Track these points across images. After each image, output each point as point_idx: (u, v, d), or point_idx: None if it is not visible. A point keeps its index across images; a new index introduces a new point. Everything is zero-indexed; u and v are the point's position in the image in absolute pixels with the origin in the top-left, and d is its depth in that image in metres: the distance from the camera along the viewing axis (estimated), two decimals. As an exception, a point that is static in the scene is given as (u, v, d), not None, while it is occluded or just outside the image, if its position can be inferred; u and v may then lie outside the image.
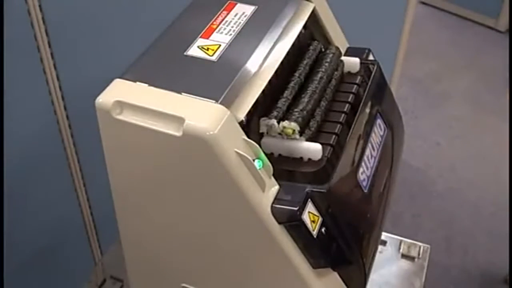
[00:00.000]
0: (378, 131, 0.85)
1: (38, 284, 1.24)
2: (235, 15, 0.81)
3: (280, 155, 0.74)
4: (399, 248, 1.17)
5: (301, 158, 0.74)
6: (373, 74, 0.87)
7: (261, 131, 0.73)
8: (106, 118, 0.68)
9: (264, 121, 0.72)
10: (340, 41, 0.91)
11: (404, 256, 1.16)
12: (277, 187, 0.69)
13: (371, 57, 0.91)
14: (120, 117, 0.67)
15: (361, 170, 0.79)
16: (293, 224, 0.68)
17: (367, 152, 0.81)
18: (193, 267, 0.82)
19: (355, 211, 0.79)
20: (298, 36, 0.81)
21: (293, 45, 0.79)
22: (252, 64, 0.73)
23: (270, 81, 0.73)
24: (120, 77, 0.71)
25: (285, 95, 0.77)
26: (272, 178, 0.69)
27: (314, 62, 0.84)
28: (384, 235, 1.17)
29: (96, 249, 1.38)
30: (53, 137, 1.14)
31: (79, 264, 1.32)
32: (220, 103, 0.65)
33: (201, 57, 0.73)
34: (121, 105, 0.67)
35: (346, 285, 0.76)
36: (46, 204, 1.18)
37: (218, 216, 0.72)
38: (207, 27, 0.78)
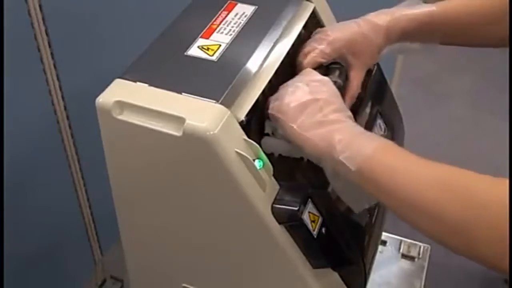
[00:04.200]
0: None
1: (38, 284, 1.24)
2: (235, 15, 0.81)
3: (280, 155, 0.74)
4: (399, 248, 1.17)
5: (301, 158, 0.74)
6: (373, 74, 0.87)
7: (266, 131, 0.73)
8: (107, 118, 0.68)
9: (270, 123, 0.72)
10: (340, 41, 0.91)
11: (404, 256, 1.16)
12: (277, 187, 0.69)
13: (371, 57, 0.91)
14: (121, 117, 0.67)
15: (361, 170, 0.78)
16: (293, 224, 0.68)
17: (367, 152, 0.81)
18: (193, 267, 0.82)
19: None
20: (298, 36, 0.81)
21: (293, 45, 0.79)
22: (252, 64, 0.73)
23: (270, 81, 0.73)
24: (120, 77, 0.71)
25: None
26: (272, 178, 0.69)
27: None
28: (384, 235, 1.17)
29: (96, 249, 1.38)
30: (53, 137, 1.14)
31: (79, 264, 1.32)
32: (221, 103, 0.65)
33: (202, 57, 0.73)
34: (122, 105, 0.67)
35: (346, 285, 0.76)
36: (46, 204, 1.18)
37: (218, 216, 0.72)
38: (207, 27, 0.78)
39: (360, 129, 0.67)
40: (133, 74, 0.71)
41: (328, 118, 0.66)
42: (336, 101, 0.69)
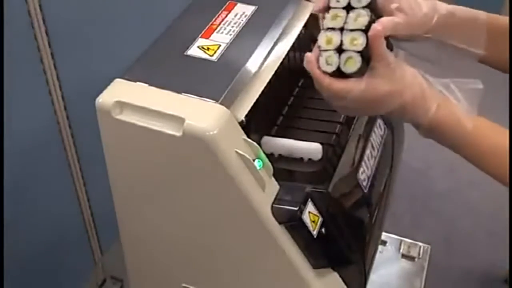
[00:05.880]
0: (378, 131, 0.85)
1: (38, 284, 1.24)
2: (235, 15, 0.81)
3: (280, 155, 0.74)
4: (399, 248, 1.17)
5: (301, 158, 0.74)
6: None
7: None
8: (106, 118, 0.68)
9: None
10: (340, 41, 0.91)
11: (404, 256, 1.16)
12: (277, 187, 0.69)
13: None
14: (120, 117, 0.67)
15: (361, 170, 0.79)
16: (293, 224, 0.68)
17: (367, 152, 0.81)
18: (193, 267, 0.82)
19: (355, 211, 0.79)
20: (298, 36, 0.81)
21: (293, 45, 0.79)
22: (252, 64, 0.73)
23: (270, 81, 0.73)
24: (120, 77, 0.71)
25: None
26: (272, 178, 0.69)
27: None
28: (384, 235, 1.17)
29: (96, 249, 1.38)
30: (53, 137, 1.14)
31: (79, 264, 1.32)
32: (220, 103, 0.65)
33: (201, 57, 0.73)
34: (121, 105, 0.67)
35: (346, 285, 0.76)
36: (46, 204, 1.18)
37: (218, 216, 0.72)
38: (207, 27, 0.78)
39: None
40: (133, 74, 0.71)
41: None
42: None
